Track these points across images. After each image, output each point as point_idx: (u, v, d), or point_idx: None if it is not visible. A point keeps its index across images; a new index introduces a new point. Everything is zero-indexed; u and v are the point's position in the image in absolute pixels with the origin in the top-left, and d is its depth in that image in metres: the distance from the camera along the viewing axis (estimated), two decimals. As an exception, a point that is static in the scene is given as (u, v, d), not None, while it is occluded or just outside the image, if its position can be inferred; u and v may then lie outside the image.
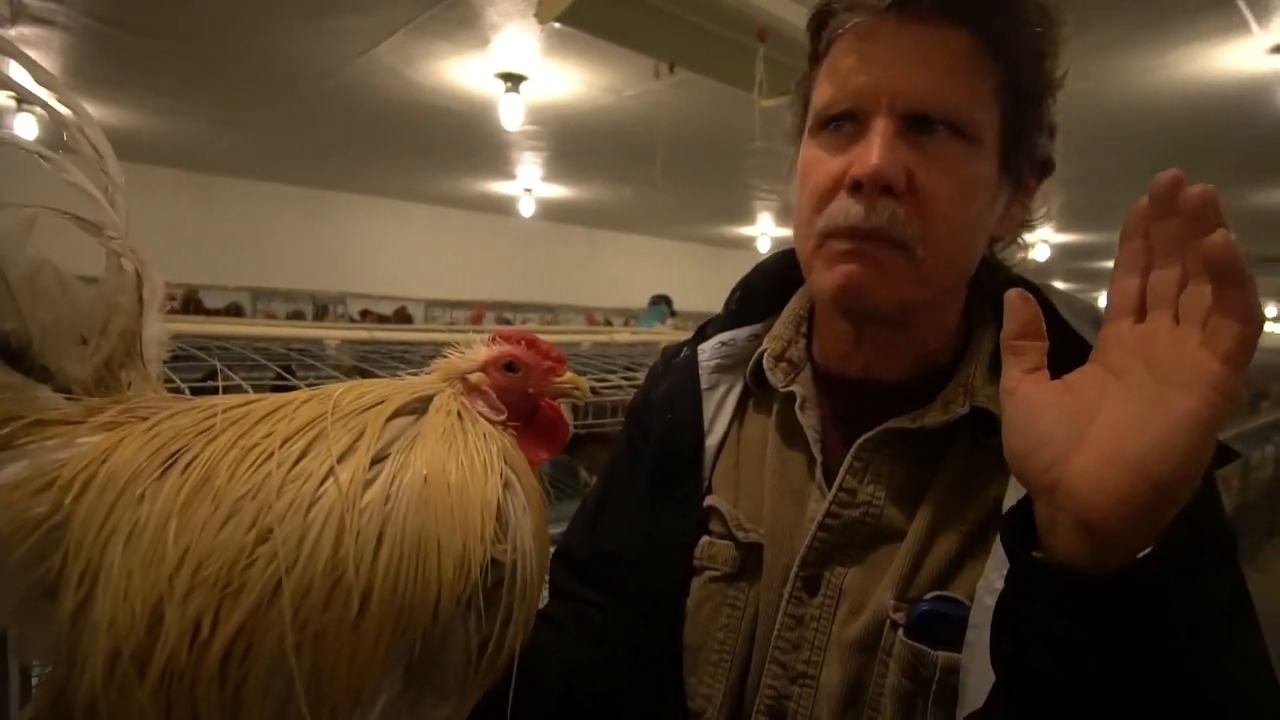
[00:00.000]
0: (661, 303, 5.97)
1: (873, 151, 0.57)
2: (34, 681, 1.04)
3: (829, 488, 0.64)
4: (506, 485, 0.47)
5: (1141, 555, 0.39)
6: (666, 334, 2.88)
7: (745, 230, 9.78)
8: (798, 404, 0.67)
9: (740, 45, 2.41)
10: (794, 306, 0.74)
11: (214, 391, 0.53)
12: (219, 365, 1.36)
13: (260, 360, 1.52)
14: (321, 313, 7.28)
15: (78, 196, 0.50)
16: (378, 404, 0.47)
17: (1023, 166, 0.63)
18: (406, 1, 3.25)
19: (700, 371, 0.75)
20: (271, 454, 0.42)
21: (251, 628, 0.38)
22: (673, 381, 0.76)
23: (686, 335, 0.83)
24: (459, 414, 0.50)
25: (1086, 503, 0.39)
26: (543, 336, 0.58)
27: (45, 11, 3.47)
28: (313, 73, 4.26)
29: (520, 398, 0.54)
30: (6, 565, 0.40)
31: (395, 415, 0.47)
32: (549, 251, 9.63)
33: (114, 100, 4.95)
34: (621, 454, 0.80)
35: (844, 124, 0.60)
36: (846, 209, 0.59)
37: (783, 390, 0.69)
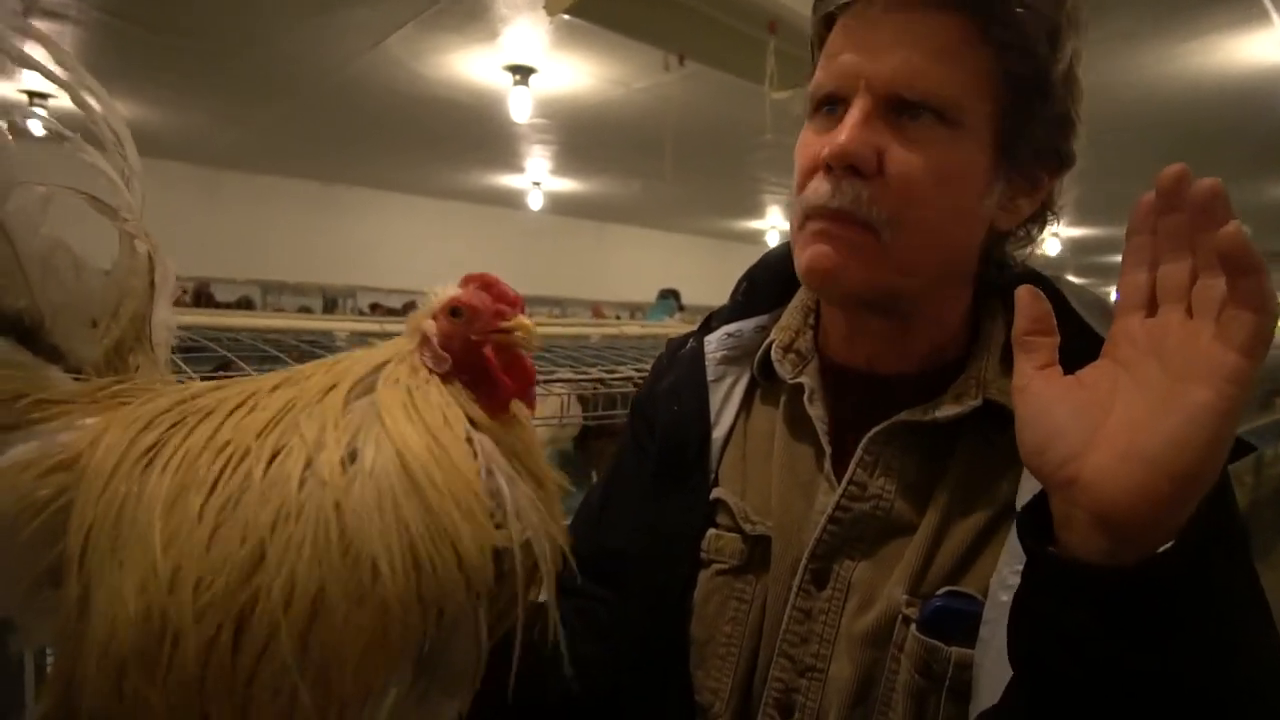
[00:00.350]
0: (670, 297, 5.96)
1: (843, 131, 0.57)
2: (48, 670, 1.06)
3: (838, 480, 0.64)
4: (489, 455, 0.46)
5: (1161, 550, 0.39)
6: (675, 327, 2.88)
7: (754, 224, 9.75)
8: (805, 396, 0.67)
9: (751, 37, 2.40)
10: (802, 297, 0.74)
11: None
12: (232, 357, 1.38)
13: (271, 351, 1.53)
14: (330, 306, 7.31)
15: (94, 180, 0.50)
16: (333, 387, 0.46)
17: (1025, 157, 0.61)
18: (415, -6, 3.26)
19: (706, 363, 0.74)
20: (247, 451, 0.41)
21: (259, 638, 0.37)
22: (678, 374, 0.76)
23: (693, 328, 0.82)
24: (406, 385, 0.47)
25: (1103, 499, 0.39)
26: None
27: (57, 6, 3.49)
28: (321, 66, 4.27)
29: (463, 346, 0.50)
30: (14, 548, 0.40)
31: (350, 398, 0.45)
32: (557, 245, 9.63)
33: (124, 94, 4.97)
34: (626, 448, 0.80)
35: (835, 107, 0.60)
36: (816, 188, 0.59)
37: (790, 382, 0.68)
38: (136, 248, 0.51)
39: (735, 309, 0.77)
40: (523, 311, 0.51)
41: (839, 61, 0.59)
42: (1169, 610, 0.39)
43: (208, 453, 0.41)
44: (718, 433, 0.71)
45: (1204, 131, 4.74)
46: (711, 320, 0.79)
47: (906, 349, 0.65)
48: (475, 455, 0.45)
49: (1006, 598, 0.53)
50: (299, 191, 7.88)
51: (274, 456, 0.41)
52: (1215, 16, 3.15)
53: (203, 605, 0.37)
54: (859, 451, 0.63)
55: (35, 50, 0.50)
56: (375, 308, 6.96)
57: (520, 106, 4.44)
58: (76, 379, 0.47)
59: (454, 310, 0.49)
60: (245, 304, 6.47)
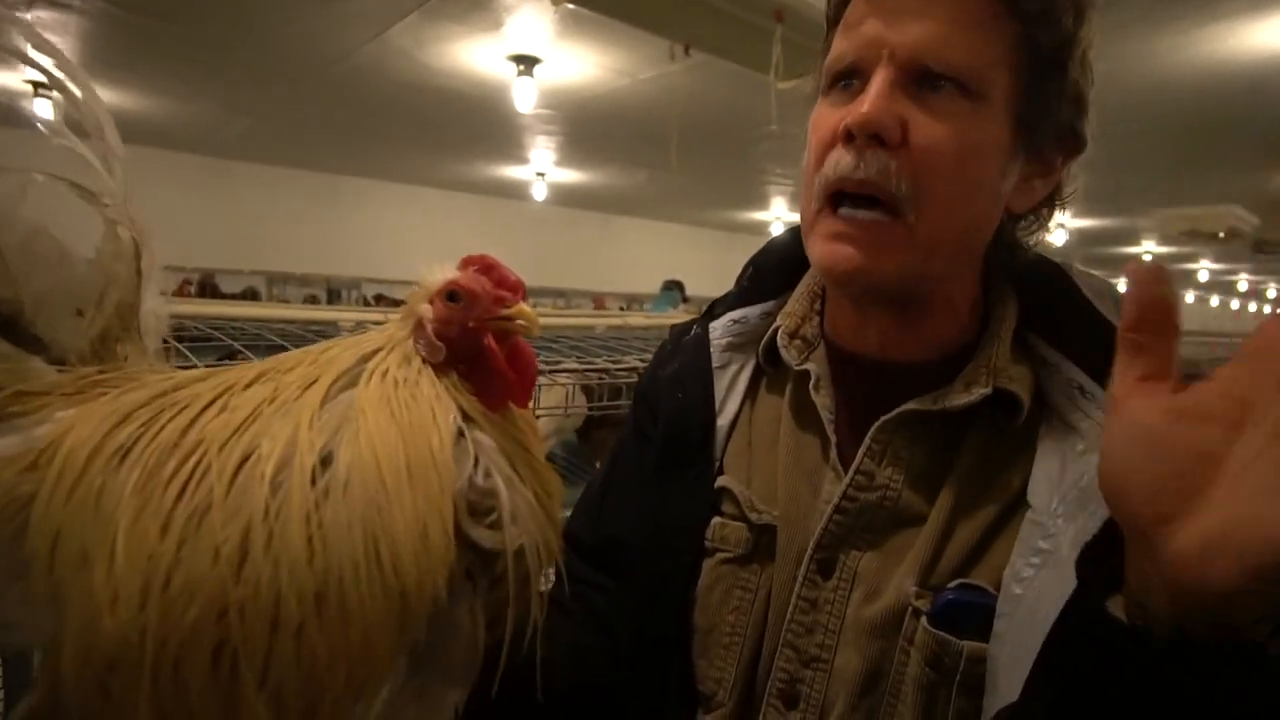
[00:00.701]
0: (674, 288, 5.96)
1: (866, 100, 0.55)
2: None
3: (844, 469, 0.63)
4: (486, 454, 0.44)
5: (1255, 638, 0.35)
6: (680, 319, 2.88)
7: (759, 215, 9.73)
8: (811, 383, 0.66)
9: (757, 26, 2.39)
10: (808, 283, 0.73)
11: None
12: (238, 346, 1.38)
13: (277, 341, 1.53)
14: (335, 297, 7.33)
15: (76, 165, 0.48)
16: (314, 381, 0.43)
17: (1043, 136, 0.60)
18: (419, -17, 3.24)
19: (711, 350, 0.73)
20: (218, 452, 0.39)
21: (243, 650, 0.36)
22: (682, 360, 0.75)
23: (698, 316, 0.81)
24: (395, 377, 0.44)
25: (1193, 583, 0.34)
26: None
27: (61, -5, 3.50)
28: (325, 56, 4.26)
29: (461, 332, 0.46)
30: None
31: (331, 393, 0.43)
32: (561, 236, 9.62)
33: (128, 84, 4.97)
34: (628, 436, 0.79)
35: (852, 81, 0.59)
36: (837, 160, 0.58)
37: (797, 369, 0.67)
38: (120, 234, 0.49)
39: (740, 295, 0.76)
40: (524, 298, 0.48)
41: (861, 30, 0.58)
42: (1234, 691, 0.35)
43: (177, 454, 0.39)
44: (722, 420, 0.71)
45: (1213, 120, 4.69)
46: (716, 307, 0.78)
47: (917, 334, 0.64)
48: (471, 454, 0.43)
49: (1020, 590, 0.53)
50: (303, 182, 7.89)
51: (244, 460, 0.39)
52: (1226, 3, 3.12)
53: (175, 622, 0.36)
54: (867, 440, 0.62)
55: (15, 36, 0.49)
56: (380, 299, 6.97)
57: (525, 97, 4.42)
58: (60, 370, 0.46)
59: (451, 294, 0.46)
60: (251, 295, 6.49)
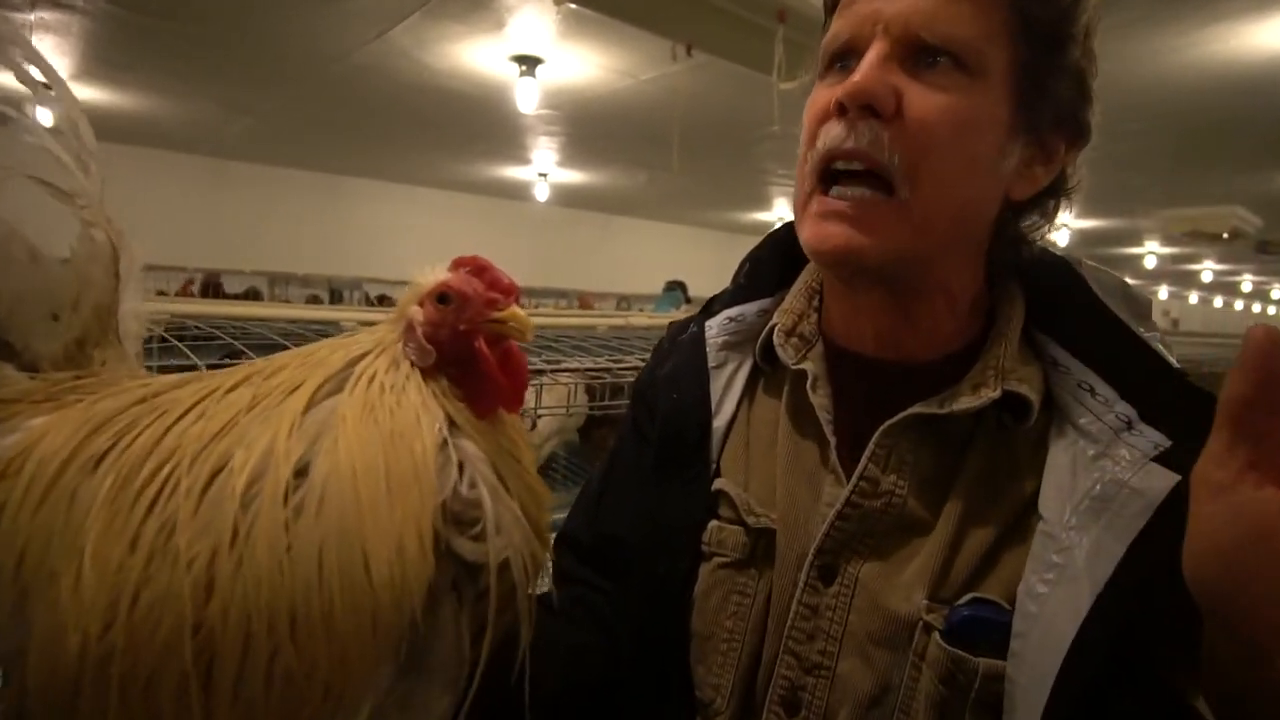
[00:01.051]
0: (676, 289, 5.96)
1: (859, 71, 0.55)
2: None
3: (844, 472, 0.61)
4: (472, 462, 0.42)
5: None
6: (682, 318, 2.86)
7: (761, 216, 9.72)
8: (809, 383, 0.64)
9: (759, 26, 2.39)
10: (805, 279, 0.71)
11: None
12: (240, 346, 1.39)
13: (279, 341, 1.53)
14: (336, 298, 7.33)
15: (48, 164, 0.47)
16: (298, 386, 0.42)
17: (1043, 116, 0.58)
18: (421, -17, 3.24)
19: (707, 349, 0.72)
20: (191, 464, 0.38)
21: (209, 664, 0.35)
22: (678, 359, 0.73)
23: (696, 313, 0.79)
24: (382, 382, 0.43)
25: None
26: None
27: (64, -4, 3.50)
28: (327, 56, 4.26)
29: (451, 336, 0.45)
30: None
31: (315, 400, 0.42)
32: (563, 237, 9.62)
33: (130, 84, 4.98)
34: (626, 434, 0.77)
35: (849, 60, 0.58)
36: (828, 131, 0.57)
37: (794, 368, 0.65)
38: (95, 235, 0.48)
39: (737, 292, 0.74)
40: (517, 301, 0.47)
41: (855, 8, 0.57)
42: None
43: (150, 464, 0.38)
44: (719, 421, 0.69)
45: (1215, 120, 4.68)
46: (713, 304, 0.76)
47: (914, 327, 0.62)
48: (456, 463, 0.42)
49: (1035, 609, 0.52)
50: (305, 182, 7.89)
51: (217, 472, 0.38)
52: (1228, 4, 3.11)
53: (144, 640, 0.35)
54: (871, 446, 0.60)
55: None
56: (384, 300, 6.98)
57: (527, 97, 4.42)
58: (32, 377, 0.44)
59: (442, 297, 0.45)
60: (253, 295, 6.50)
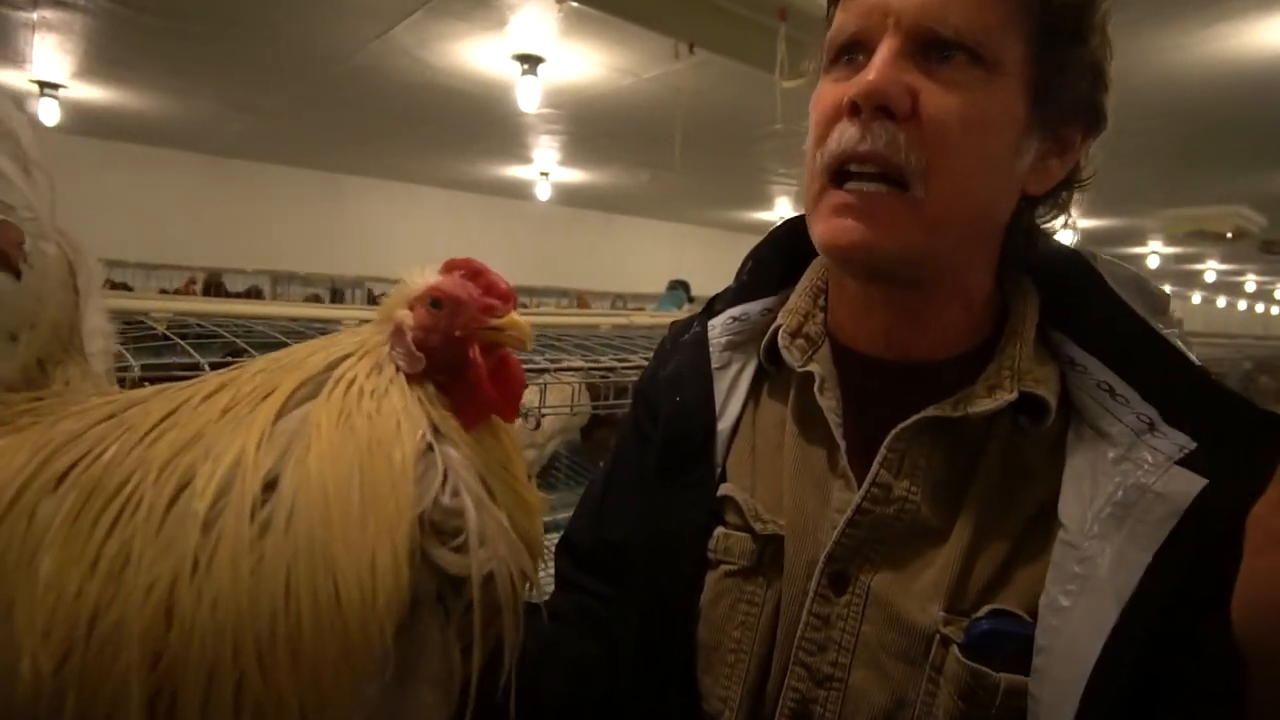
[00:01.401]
0: (679, 288, 5.95)
1: (872, 70, 0.52)
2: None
3: (854, 477, 0.59)
4: (456, 471, 0.40)
5: None
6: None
7: (763, 215, 9.70)
8: (816, 385, 0.62)
9: (761, 24, 2.38)
10: (811, 277, 0.69)
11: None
12: (242, 344, 1.39)
13: (280, 339, 1.54)
14: (338, 297, 7.33)
15: None
16: (271, 392, 0.40)
17: (1059, 109, 0.56)
18: (423, -18, 3.24)
19: (710, 349, 0.69)
20: (154, 482, 0.36)
21: (173, 693, 0.34)
22: (681, 360, 0.71)
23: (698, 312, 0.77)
24: (361, 386, 0.41)
25: None
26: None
27: (66, -5, 3.50)
28: (329, 54, 4.25)
29: (444, 342, 0.43)
30: None
31: (288, 406, 0.40)
32: (565, 236, 9.61)
33: (131, 83, 4.98)
34: (628, 436, 0.75)
35: (856, 54, 0.56)
36: (841, 133, 0.54)
37: (800, 370, 0.63)
38: (44, 249, 0.45)
39: (740, 290, 0.72)
40: (515, 307, 0.45)
41: (864, 1, 0.55)
42: None
43: (112, 482, 0.36)
44: (723, 424, 0.67)
45: (1219, 119, 4.66)
46: (715, 303, 0.74)
47: (926, 326, 0.60)
48: (440, 470, 0.40)
49: (1058, 622, 0.50)
50: (306, 181, 7.89)
51: (182, 487, 0.36)
52: (1233, 2, 3.10)
53: (103, 669, 0.33)
54: (882, 450, 0.58)
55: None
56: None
57: (528, 96, 4.41)
58: None
59: (435, 301, 0.43)
60: (254, 293, 6.50)
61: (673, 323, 0.80)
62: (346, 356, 0.43)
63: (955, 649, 0.53)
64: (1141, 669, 0.47)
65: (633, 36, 3.54)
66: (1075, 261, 0.62)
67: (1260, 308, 18.72)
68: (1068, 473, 0.55)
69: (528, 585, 0.44)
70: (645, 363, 1.40)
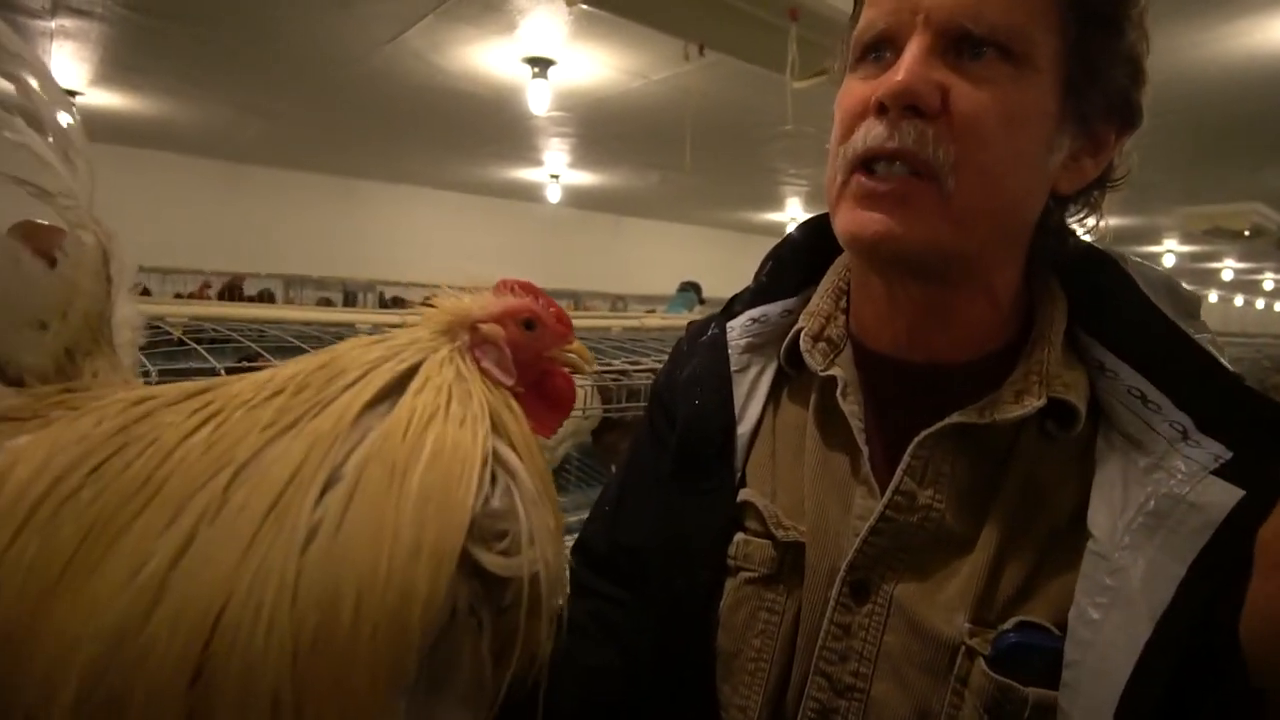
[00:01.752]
0: (690, 289, 5.94)
1: (901, 69, 0.51)
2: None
3: (877, 483, 0.58)
4: (512, 475, 0.41)
5: None
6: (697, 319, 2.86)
7: (773, 216, 9.68)
8: (839, 390, 0.60)
9: (771, 25, 2.37)
10: (832, 278, 0.67)
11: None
12: (257, 348, 1.40)
13: (295, 343, 1.55)
14: (351, 300, 7.37)
15: (29, 163, 0.43)
16: (350, 386, 0.40)
17: (1094, 106, 0.55)
18: (433, -14, 3.26)
19: (729, 351, 0.68)
20: (180, 509, 0.35)
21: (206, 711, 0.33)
22: (699, 362, 0.69)
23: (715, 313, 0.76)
24: (449, 389, 0.41)
25: None
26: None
27: (83, 3, 3.53)
28: (341, 59, 4.28)
29: (533, 360, 0.47)
30: None
31: (369, 405, 0.40)
32: (576, 238, 9.62)
33: (147, 89, 5.03)
34: (644, 438, 0.74)
35: (883, 52, 0.55)
36: (868, 130, 0.53)
37: (822, 374, 0.62)
38: (82, 238, 0.45)
39: (760, 291, 0.71)
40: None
41: None
42: None
43: (141, 495, 0.35)
44: (743, 428, 0.66)
45: (1236, 116, 4.61)
46: (734, 304, 0.72)
47: (952, 323, 0.58)
48: (496, 474, 0.40)
49: (1089, 635, 0.48)
50: (318, 185, 7.94)
51: (225, 500, 0.35)
52: (1250, -2, 3.07)
53: (138, 686, 0.32)
54: (906, 458, 0.57)
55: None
56: (397, 301, 7.01)
57: (538, 99, 4.42)
58: (18, 392, 0.41)
59: (529, 322, 0.47)
60: (267, 296, 6.56)
61: (690, 323, 0.79)
62: (419, 364, 0.43)
63: (981, 661, 0.51)
64: (1176, 684, 0.45)
65: (642, 38, 3.55)
66: (1105, 263, 0.60)
67: (1279, 306, 18.49)
68: (1097, 481, 0.53)
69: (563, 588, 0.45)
70: (657, 366, 1.39)
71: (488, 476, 0.40)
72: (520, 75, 4.34)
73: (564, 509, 0.59)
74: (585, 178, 7.73)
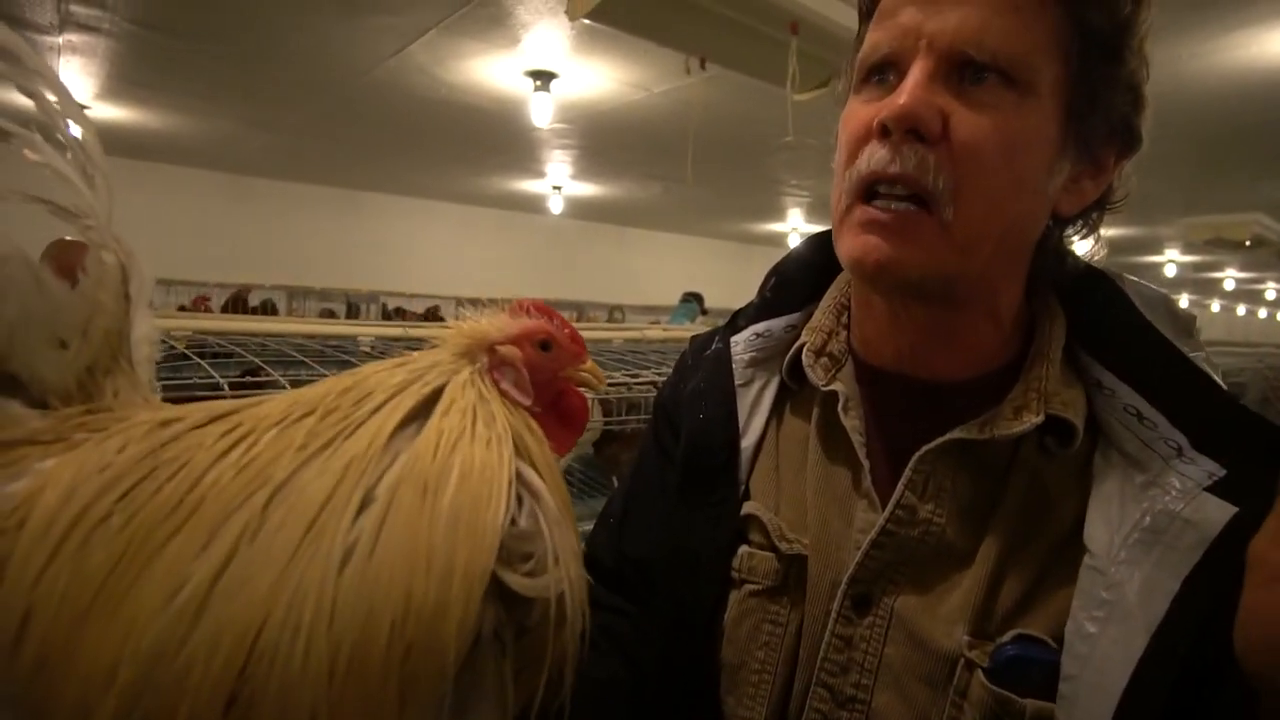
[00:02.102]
0: (692, 300, 5.95)
1: (903, 93, 0.52)
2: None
3: (878, 497, 0.59)
4: (536, 497, 0.41)
5: None
6: (698, 331, 2.86)
7: (775, 227, 9.69)
8: (840, 405, 0.61)
9: (772, 39, 2.38)
10: (834, 294, 0.68)
11: (252, 389, 0.48)
12: (259, 362, 1.40)
13: (297, 356, 1.55)
14: (354, 312, 7.39)
15: (51, 182, 0.44)
16: (379, 408, 0.40)
17: (1094, 129, 0.56)
18: (439, 0, 3.28)
19: (733, 366, 0.69)
20: (214, 534, 0.35)
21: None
22: (703, 377, 0.70)
23: (718, 326, 0.77)
24: (474, 411, 0.42)
25: None
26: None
27: (90, 19, 3.57)
28: (345, 72, 4.31)
29: (549, 380, 0.48)
30: None
31: (401, 426, 0.40)
32: (578, 249, 9.65)
33: (153, 103, 5.06)
34: (649, 452, 0.75)
35: (887, 74, 0.56)
36: (871, 154, 0.54)
37: (824, 389, 0.63)
38: (103, 257, 0.45)
39: (763, 307, 0.72)
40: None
41: (898, 20, 0.54)
42: None
43: (174, 518, 0.35)
44: (747, 441, 0.66)
45: (1237, 127, 4.62)
46: (738, 319, 0.73)
47: (954, 342, 0.59)
48: (520, 496, 0.41)
49: (1085, 649, 0.49)
50: (322, 197, 7.97)
51: (260, 523, 0.35)
52: (1251, 9, 3.08)
53: (174, 712, 0.32)
54: (907, 472, 0.57)
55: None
56: (400, 313, 7.03)
57: (541, 111, 4.45)
58: (43, 413, 0.41)
59: (545, 343, 0.48)
60: (270, 308, 6.57)
61: (693, 337, 0.80)
62: (442, 388, 0.43)
63: (980, 674, 0.52)
64: (1171, 697, 0.46)
65: (644, 52, 3.57)
66: (1103, 282, 0.61)
67: (1282, 316, 18.45)
68: (1094, 497, 0.54)
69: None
70: (658, 378, 1.39)
71: (514, 498, 0.40)
72: (523, 88, 4.37)
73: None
74: (588, 189, 7.75)
